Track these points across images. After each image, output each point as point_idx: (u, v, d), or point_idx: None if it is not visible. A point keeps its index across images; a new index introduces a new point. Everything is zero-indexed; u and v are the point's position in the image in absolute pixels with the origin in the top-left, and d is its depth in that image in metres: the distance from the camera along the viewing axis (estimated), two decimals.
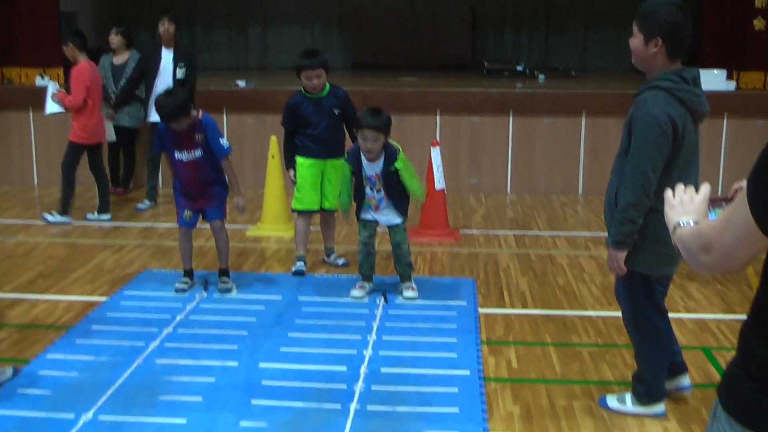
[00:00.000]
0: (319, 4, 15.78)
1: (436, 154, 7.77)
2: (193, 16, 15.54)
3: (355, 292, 6.06)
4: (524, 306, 5.93)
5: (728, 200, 2.13)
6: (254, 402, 4.37)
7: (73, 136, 8.32)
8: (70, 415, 4.20)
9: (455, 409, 4.27)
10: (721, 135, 9.46)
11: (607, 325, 5.53)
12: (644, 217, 3.85)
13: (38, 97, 10.10)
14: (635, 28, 3.83)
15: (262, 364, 4.85)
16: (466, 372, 4.73)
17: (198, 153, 5.89)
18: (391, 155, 5.82)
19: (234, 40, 15.46)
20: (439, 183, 7.76)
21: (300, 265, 6.62)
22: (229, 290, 6.15)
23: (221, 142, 5.94)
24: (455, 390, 4.50)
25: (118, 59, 9.40)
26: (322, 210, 6.69)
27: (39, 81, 10.41)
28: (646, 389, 4.21)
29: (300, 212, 6.64)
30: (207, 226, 6.36)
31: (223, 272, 6.24)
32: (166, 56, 8.85)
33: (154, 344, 5.15)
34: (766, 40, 10.04)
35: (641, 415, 4.22)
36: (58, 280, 6.52)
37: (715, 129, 9.32)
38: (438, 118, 9.82)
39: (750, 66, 10.26)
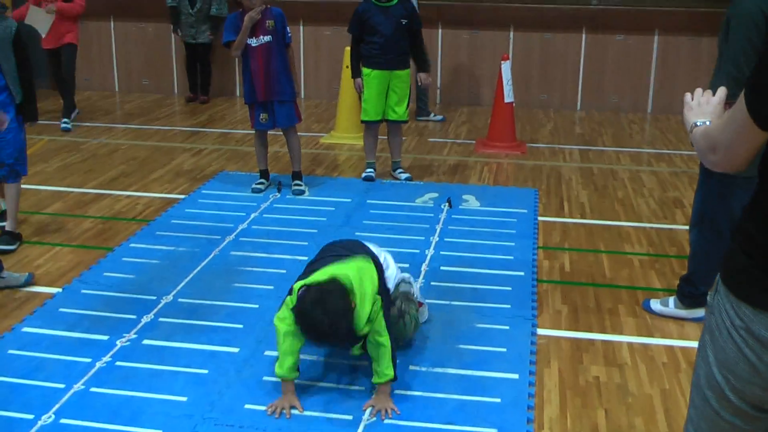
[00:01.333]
0: None
1: (506, 68, 7.93)
2: None
3: None
4: (582, 216, 6.12)
5: None
6: None
7: (76, 39, 8.60)
8: (152, 297, 4.57)
9: (507, 306, 4.52)
10: None
11: (661, 236, 5.71)
12: None
13: (119, 6, 10.45)
14: None
15: None
16: (521, 273, 4.97)
17: (267, 38, 6.21)
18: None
19: None
20: (508, 96, 7.93)
21: (370, 171, 6.88)
22: (302, 192, 6.45)
23: (288, 30, 6.32)
24: (509, 288, 4.75)
25: None
26: (387, 121, 6.84)
27: None
28: (692, 291, 4.34)
29: (368, 123, 6.87)
30: (280, 132, 6.66)
31: (296, 175, 6.55)
32: None
33: (229, 238, 5.50)
34: None
35: (682, 319, 4.39)
36: (139, 178, 6.90)
37: None
38: (511, 33, 9.91)
39: None
